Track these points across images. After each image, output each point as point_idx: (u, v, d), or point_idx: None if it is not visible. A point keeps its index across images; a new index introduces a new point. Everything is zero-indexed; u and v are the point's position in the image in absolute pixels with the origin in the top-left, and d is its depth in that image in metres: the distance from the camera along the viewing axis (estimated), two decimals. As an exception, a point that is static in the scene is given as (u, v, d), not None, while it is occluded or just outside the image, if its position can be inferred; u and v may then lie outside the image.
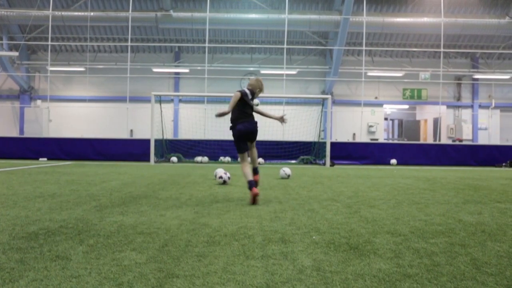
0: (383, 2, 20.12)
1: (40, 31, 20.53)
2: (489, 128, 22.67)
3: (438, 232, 3.61)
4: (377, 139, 21.38)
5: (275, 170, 11.48)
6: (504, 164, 15.20)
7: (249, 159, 5.59)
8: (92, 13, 18.84)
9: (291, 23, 18.61)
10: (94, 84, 21.85)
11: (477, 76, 21.85)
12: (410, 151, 15.72)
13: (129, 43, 18.87)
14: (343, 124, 22.20)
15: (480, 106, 22.69)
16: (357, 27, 18.76)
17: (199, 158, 15.02)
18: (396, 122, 27.32)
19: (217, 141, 15.79)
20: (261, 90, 5.67)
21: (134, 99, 20.60)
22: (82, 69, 20.75)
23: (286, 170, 8.87)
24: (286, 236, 3.39)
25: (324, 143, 14.64)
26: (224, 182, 7.34)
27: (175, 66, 21.60)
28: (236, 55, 22.30)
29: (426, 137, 24.07)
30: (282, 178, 8.74)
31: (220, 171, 7.56)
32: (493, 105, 22.30)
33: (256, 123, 5.56)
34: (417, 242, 3.25)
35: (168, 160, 15.05)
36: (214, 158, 15.31)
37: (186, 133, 19.96)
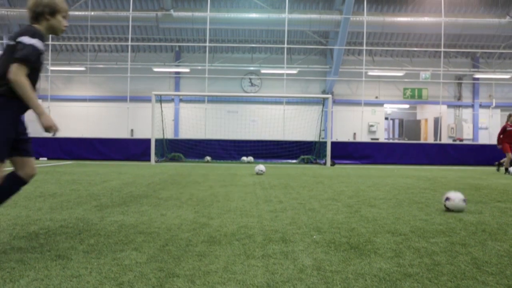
0: (383, 1, 20.11)
1: (41, 31, 20.52)
2: (489, 127, 22.66)
3: (439, 232, 3.61)
4: (377, 139, 21.37)
5: (276, 169, 11.48)
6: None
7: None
8: (92, 13, 18.84)
9: (291, 22, 18.60)
10: (95, 83, 21.87)
11: (477, 75, 21.84)
12: (411, 151, 15.71)
13: (129, 43, 18.87)
14: (343, 124, 22.20)
15: (481, 106, 22.68)
16: (358, 26, 18.75)
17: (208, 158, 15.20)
18: (396, 121, 27.31)
19: (218, 141, 15.80)
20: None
21: (135, 99, 20.62)
22: (82, 68, 20.78)
23: (261, 167, 9.76)
24: (286, 236, 3.38)
25: (325, 142, 14.63)
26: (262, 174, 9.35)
27: (176, 65, 21.60)
28: (236, 55, 22.29)
29: (427, 136, 24.07)
30: (258, 174, 9.55)
31: (261, 166, 9.62)
32: (494, 104, 22.29)
33: None
34: (418, 241, 3.25)
35: (169, 160, 15.07)
36: (215, 158, 15.31)
37: (187, 132, 19.97)
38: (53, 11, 2.78)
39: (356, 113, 20.79)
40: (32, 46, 2.56)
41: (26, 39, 2.56)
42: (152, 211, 4.49)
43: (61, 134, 20.16)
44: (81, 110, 21.33)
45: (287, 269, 2.52)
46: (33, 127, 19.62)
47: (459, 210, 4.61)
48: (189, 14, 18.94)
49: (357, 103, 21.28)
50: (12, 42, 2.60)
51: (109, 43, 21.40)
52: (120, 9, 19.62)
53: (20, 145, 2.79)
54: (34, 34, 2.61)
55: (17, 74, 2.49)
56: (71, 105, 21.65)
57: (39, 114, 2.59)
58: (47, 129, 2.63)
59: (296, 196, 5.89)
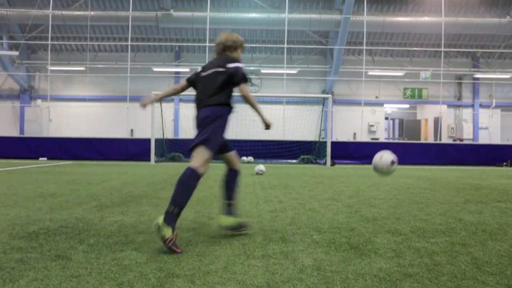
0: (383, 1, 20.09)
1: (40, 31, 20.52)
2: (489, 127, 22.65)
3: (439, 232, 3.61)
4: (377, 139, 21.37)
5: (276, 169, 11.48)
6: (504, 163, 15.19)
7: None
8: (92, 13, 18.83)
9: (291, 22, 18.59)
10: (95, 83, 21.85)
11: (477, 75, 21.82)
12: (411, 151, 15.71)
13: (129, 43, 18.86)
14: (343, 124, 22.19)
15: (481, 106, 22.66)
16: (358, 26, 18.75)
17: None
18: (396, 121, 27.31)
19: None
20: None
21: (135, 99, 20.57)
22: (82, 68, 20.74)
23: (261, 167, 9.90)
24: (286, 236, 3.38)
25: (325, 142, 14.63)
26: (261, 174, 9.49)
27: (176, 65, 21.59)
28: (236, 55, 22.28)
29: (427, 136, 24.05)
30: (257, 174, 9.70)
31: (261, 166, 9.77)
32: (494, 104, 22.27)
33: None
34: (418, 241, 3.25)
35: (169, 160, 15.07)
36: (215, 158, 15.28)
37: (187, 132, 19.96)
38: (237, 46, 3.58)
39: (356, 113, 20.77)
40: (241, 68, 3.37)
41: (236, 65, 3.38)
42: (152, 211, 4.48)
43: (61, 134, 20.17)
44: (81, 110, 21.33)
45: (287, 269, 2.52)
46: (34, 127, 19.49)
47: (382, 171, 4.48)
48: (189, 14, 18.93)
49: (357, 103, 21.26)
50: (220, 69, 3.37)
51: (109, 43, 21.39)
52: (120, 9, 19.60)
53: (227, 144, 3.54)
54: (235, 60, 3.44)
55: (247, 90, 3.32)
56: (71, 105, 21.64)
57: (262, 115, 3.47)
58: (268, 126, 3.56)
59: (296, 196, 5.89)
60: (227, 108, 3.33)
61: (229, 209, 3.41)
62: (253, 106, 3.36)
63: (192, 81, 3.67)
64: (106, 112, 21.70)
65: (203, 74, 3.50)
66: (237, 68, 3.33)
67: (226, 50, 3.53)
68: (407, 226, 3.81)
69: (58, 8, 19.41)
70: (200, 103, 3.39)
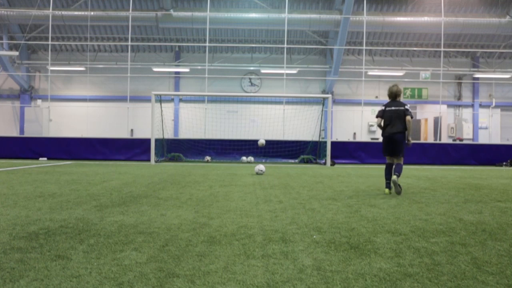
0: (383, 1, 20.10)
1: (40, 31, 20.53)
2: (489, 127, 22.65)
3: (439, 231, 3.61)
4: (377, 139, 21.35)
5: (276, 169, 11.48)
6: (504, 163, 15.19)
7: None
8: (92, 13, 18.83)
9: (291, 22, 18.59)
10: (95, 83, 21.86)
11: (477, 75, 21.81)
12: (411, 150, 15.69)
13: (129, 43, 18.86)
14: (343, 124, 22.20)
15: (481, 105, 22.66)
16: (358, 26, 18.74)
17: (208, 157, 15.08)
18: (396, 121, 27.24)
19: (218, 141, 15.79)
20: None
21: (135, 99, 20.61)
22: (82, 68, 20.74)
23: (261, 167, 9.83)
24: (286, 236, 3.38)
25: (325, 142, 14.62)
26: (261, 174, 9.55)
27: (176, 65, 21.59)
28: (236, 55, 22.29)
29: (427, 136, 24.06)
30: (257, 174, 9.63)
31: (261, 166, 9.76)
32: (494, 104, 22.28)
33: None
34: (418, 241, 3.25)
35: (169, 160, 15.07)
36: (215, 158, 15.31)
37: (187, 132, 19.97)
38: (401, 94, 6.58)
39: (356, 113, 20.79)
40: (411, 112, 6.40)
41: (409, 108, 6.39)
42: (152, 211, 4.49)
43: (61, 134, 20.18)
44: (81, 110, 21.33)
45: (287, 269, 2.52)
46: (34, 127, 19.54)
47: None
48: (188, 14, 18.92)
49: (357, 103, 21.28)
50: (402, 108, 6.35)
51: (109, 43, 21.39)
52: (120, 9, 19.60)
53: (394, 152, 6.47)
54: (406, 105, 6.43)
55: (411, 121, 6.34)
56: (71, 105, 21.65)
57: (409, 135, 6.39)
58: (409, 143, 6.39)
59: (296, 196, 5.89)
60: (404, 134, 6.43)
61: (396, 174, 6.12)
62: (410, 129, 6.32)
63: (382, 115, 6.53)
64: (106, 112, 21.71)
65: (388, 109, 6.45)
66: (410, 111, 6.38)
67: (398, 97, 6.48)
68: (407, 226, 3.81)
69: (58, 8, 19.41)
70: (392, 128, 6.40)
